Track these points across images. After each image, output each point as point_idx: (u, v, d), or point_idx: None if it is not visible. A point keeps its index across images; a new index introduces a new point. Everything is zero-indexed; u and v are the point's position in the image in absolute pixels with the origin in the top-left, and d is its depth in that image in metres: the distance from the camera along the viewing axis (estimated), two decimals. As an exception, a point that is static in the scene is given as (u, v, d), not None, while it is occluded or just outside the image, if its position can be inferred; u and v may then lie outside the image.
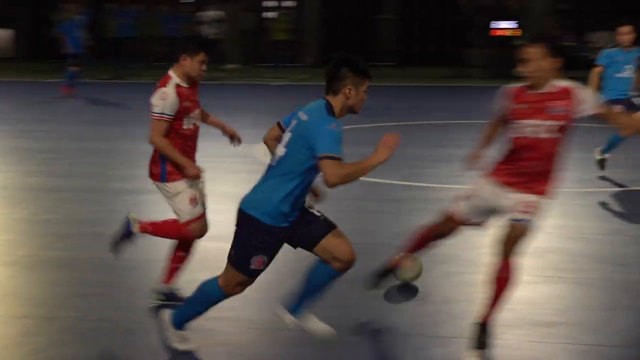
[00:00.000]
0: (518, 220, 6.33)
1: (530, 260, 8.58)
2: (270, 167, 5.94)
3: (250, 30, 33.80)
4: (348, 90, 5.81)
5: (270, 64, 29.24)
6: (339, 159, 5.57)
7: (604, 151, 12.93)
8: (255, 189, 5.94)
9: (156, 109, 6.93)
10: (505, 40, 29.87)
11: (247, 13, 33.89)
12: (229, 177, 12.83)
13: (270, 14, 30.77)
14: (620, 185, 12.13)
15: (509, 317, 6.97)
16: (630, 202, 11.23)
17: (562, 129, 6.35)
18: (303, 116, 5.83)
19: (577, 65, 28.36)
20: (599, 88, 12.50)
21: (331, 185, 5.55)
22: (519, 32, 28.78)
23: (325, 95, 5.89)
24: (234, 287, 6.06)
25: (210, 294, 6.13)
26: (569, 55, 28.99)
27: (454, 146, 15.26)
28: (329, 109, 5.78)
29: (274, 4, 33.55)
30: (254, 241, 5.88)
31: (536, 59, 6.27)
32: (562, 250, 8.93)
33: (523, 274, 8.11)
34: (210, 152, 14.93)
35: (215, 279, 6.11)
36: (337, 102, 5.84)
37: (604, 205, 10.96)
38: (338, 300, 7.14)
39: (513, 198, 6.42)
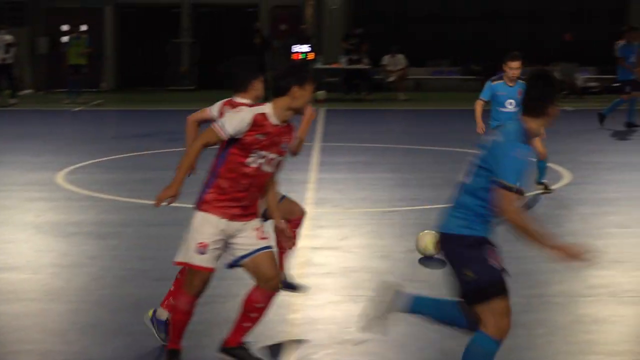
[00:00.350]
0: (265, 248, 6.26)
1: (337, 279, 8.70)
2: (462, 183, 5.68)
3: (46, 54, 33.07)
4: (553, 110, 5.59)
5: (66, 89, 28.65)
6: (516, 192, 5.37)
7: (540, 179, 12.80)
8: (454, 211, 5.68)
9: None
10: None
11: (42, 37, 33.15)
12: (27, 205, 12.44)
13: (66, 38, 30.10)
14: (420, 204, 12.41)
15: (319, 336, 7.05)
16: (429, 220, 11.47)
17: (279, 163, 6.30)
18: (499, 137, 5.58)
19: (372, 88, 29.26)
20: (482, 120, 12.47)
21: (507, 219, 5.38)
22: (312, 55, 29.38)
23: (521, 116, 5.61)
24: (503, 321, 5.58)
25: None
26: (365, 78, 29.64)
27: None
28: (524, 134, 5.54)
29: (70, 28, 32.88)
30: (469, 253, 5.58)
31: None
32: (368, 269, 9.06)
33: (331, 294, 8.23)
34: (8, 180, 14.50)
35: (482, 337, 5.56)
36: (537, 123, 5.58)
37: (404, 223, 11.19)
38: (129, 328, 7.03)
39: (243, 229, 6.24)
